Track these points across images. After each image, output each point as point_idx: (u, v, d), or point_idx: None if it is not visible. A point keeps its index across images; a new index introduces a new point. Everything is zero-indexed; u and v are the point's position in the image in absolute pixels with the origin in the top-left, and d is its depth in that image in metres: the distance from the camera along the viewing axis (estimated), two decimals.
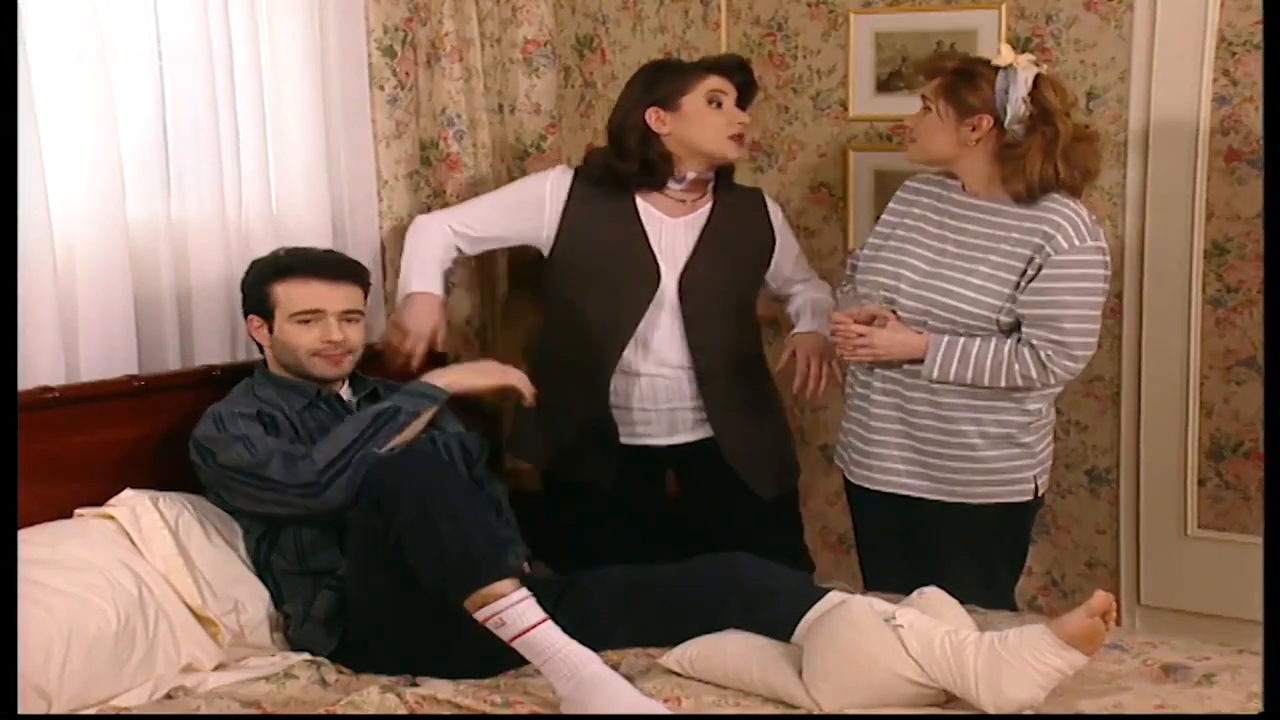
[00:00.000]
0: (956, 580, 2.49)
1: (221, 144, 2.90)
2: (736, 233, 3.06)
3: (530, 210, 3.05)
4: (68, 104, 2.63)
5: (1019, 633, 2.16)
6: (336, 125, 3.15)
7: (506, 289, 3.53)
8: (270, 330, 2.72)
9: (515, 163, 3.52)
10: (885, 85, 3.38)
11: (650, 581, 2.54)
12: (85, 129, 2.66)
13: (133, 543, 2.51)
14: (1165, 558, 3.27)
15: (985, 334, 2.69)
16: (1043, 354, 2.65)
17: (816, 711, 2.18)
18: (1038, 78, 2.65)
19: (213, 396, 2.71)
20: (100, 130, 2.68)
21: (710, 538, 2.75)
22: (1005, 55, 2.67)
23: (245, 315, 2.77)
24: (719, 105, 2.97)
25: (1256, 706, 2.08)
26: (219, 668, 2.45)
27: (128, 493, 2.59)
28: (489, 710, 2.23)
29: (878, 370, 2.81)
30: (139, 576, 2.44)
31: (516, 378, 2.86)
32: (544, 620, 2.26)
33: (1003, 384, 2.69)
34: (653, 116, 2.96)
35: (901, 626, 2.18)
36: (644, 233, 2.98)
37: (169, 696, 2.32)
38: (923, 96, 2.75)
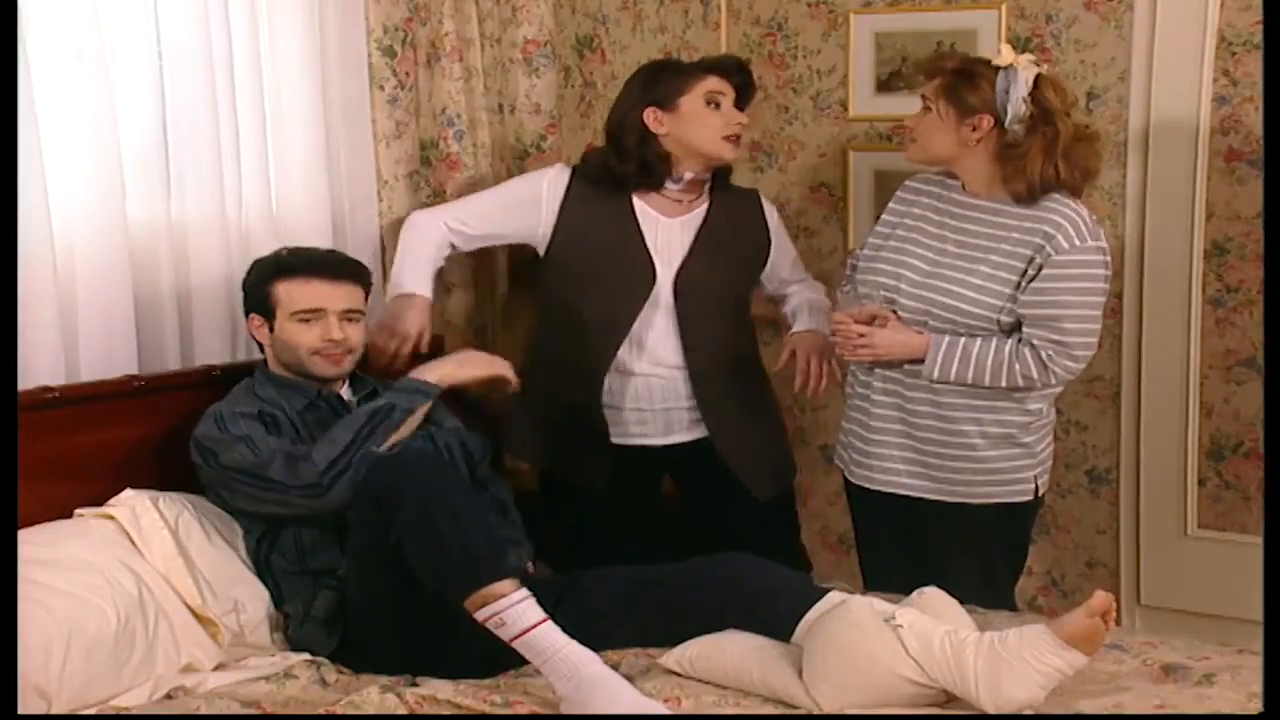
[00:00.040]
0: (956, 580, 2.49)
1: (221, 144, 2.90)
2: (732, 233, 3.07)
3: (527, 209, 3.05)
4: (68, 104, 2.63)
5: (1019, 633, 2.16)
6: (336, 125, 3.15)
7: (506, 289, 3.53)
8: (271, 329, 2.72)
9: (515, 163, 3.52)
10: (885, 85, 3.38)
11: (650, 581, 2.54)
12: (85, 129, 2.66)
13: (133, 543, 2.51)
14: (1165, 558, 3.27)
15: (986, 334, 2.69)
16: (1043, 354, 2.65)
17: (816, 711, 2.18)
18: (1038, 78, 2.65)
19: (213, 396, 2.71)
20: (100, 130, 2.68)
21: (707, 538, 2.75)
22: (1005, 55, 2.67)
23: (246, 314, 2.77)
24: (717, 106, 2.97)
25: (1256, 706, 2.08)
26: (219, 668, 2.45)
27: (128, 493, 2.59)
28: (489, 710, 2.23)
29: (878, 370, 2.81)
30: (139, 576, 2.44)
31: (503, 366, 2.87)
32: (544, 620, 2.26)
33: (1003, 384, 2.69)
34: (650, 117, 2.97)
35: (901, 626, 2.18)
36: (640, 232, 2.99)
37: (169, 696, 2.32)
38: (923, 96, 2.75)
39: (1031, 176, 2.64)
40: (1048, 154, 2.63)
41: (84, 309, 2.70)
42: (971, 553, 2.80)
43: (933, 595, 2.34)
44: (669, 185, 3.01)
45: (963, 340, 2.69)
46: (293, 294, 2.70)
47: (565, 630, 2.26)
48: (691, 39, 3.59)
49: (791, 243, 3.25)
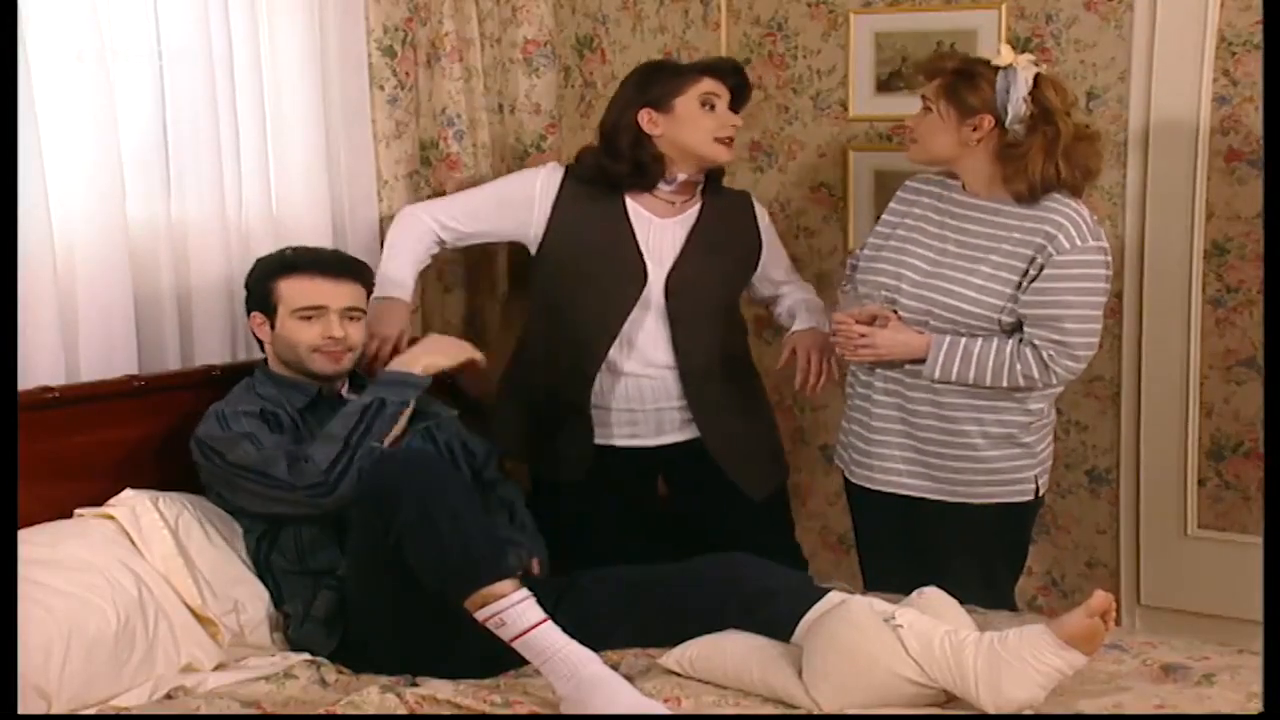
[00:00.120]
0: (956, 580, 2.49)
1: (221, 144, 2.90)
2: (724, 235, 3.07)
3: (519, 208, 3.05)
4: (68, 104, 2.63)
5: (1019, 633, 2.16)
6: (336, 125, 3.14)
7: (506, 289, 3.53)
8: (272, 327, 2.72)
9: (515, 163, 3.52)
10: (885, 85, 3.37)
11: (650, 581, 2.55)
12: (85, 129, 2.66)
13: (133, 543, 2.51)
14: (1165, 558, 3.27)
15: (987, 334, 2.69)
16: (1045, 354, 2.65)
17: (816, 711, 2.18)
18: (1038, 77, 2.65)
19: (213, 396, 2.71)
20: (100, 130, 2.68)
21: (701, 538, 2.75)
22: (1005, 55, 2.67)
23: (248, 312, 2.77)
24: (712, 108, 2.97)
25: (1256, 706, 2.08)
26: (219, 668, 2.45)
27: (128, 493, 2.59)
28: (489, 710, 2.23)
29: (879, 370, 2.81)
30: (139, 576, 2.44)
31: (471, 349, 2.86)
32: (544, 620, 2.27)
33: (1004, 384, 2.69)
34: (645, 118, 2.97)
35: (901, 626, 2.18)
36: (632, 233, 2.99)
37: (169, 696, 2.32)
38: (923, 97, 2.75)
39: (1033, 176, 2.64)
40: (1049, 153, 2.63)
41: (84, 309, 2.70)
42: (971, 553, 2.80)
43: (933, 595, 2.34)
44: (662, 186, 3.01)
45: (964, 340, 2.69)
46: (294, 291, 2.70)
47: (565, 630, 2.27)
48: (691, 39, 3.59)
49: (782, 244, 3.25)
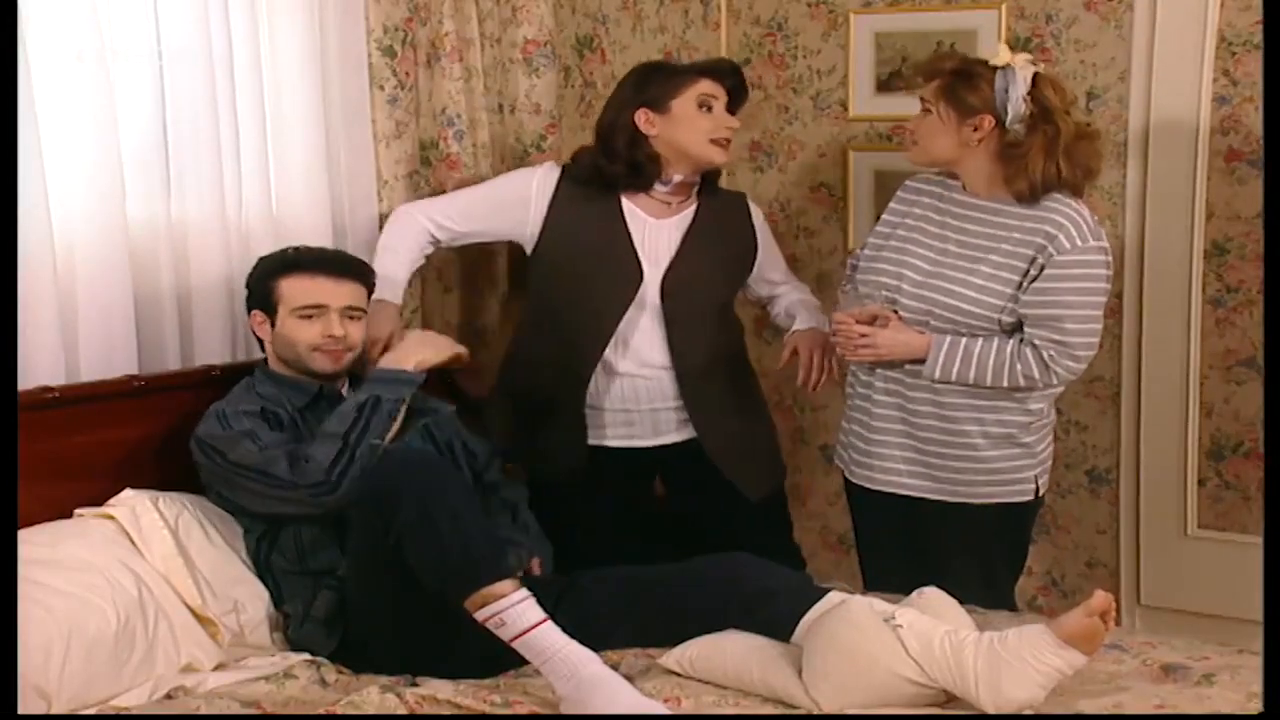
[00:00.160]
0: (956, 580, 2.49)
1: (221, 144, 2.90)
2: (720, 235, 3.07)
3: (515, 207, 3.05)
4: (68, 104, 2.63)
5: (1019, 633, 2.16)
6: (336, 125, 3.14)
7: (507, 289, 3.53)
8: (273, 325, 2.72)
9: (515, 163, 3.51)
10: (885, 85, 3.38)
11: (650, 581, 2.54)
12: (85, 129, 2.66)
13: (133, 543, 2.51)
14: (1165, 558, 3.27)
15: (987, 334, 2.69)
16: (1045, 354, 2.65)
17: (816, 711, 2.18)
18: (1037, 76, 2.65)
19: (213, 396, 2.71)
20: (100, 130, 2.68)
21: (699, 539, 2.75)
22: (1003, 55, 2.67)
23: (249, 311, 2.77)
24: (709, 109, 2.97)
25: (1256, 706, 2.08)
26: (219, 668, 2.45)
27: (128, 493, 2.59)
28: (489, 710, 2.23)
29: (879, 370, 2.81)
30: (139, 576, 2.44)
31: (456, 344, 2.86)
32: (544, 620, 2.27)
33: (1005, 384, 2.69)
34: (642, 118, 2.96)
35: (901, 626, 2.18)
36: (628, 233, 2.99)
37: (169, 696, 2.32)
38: (922, 99, 2.75)
39: (1033, 175, 2.64)
40: (1049, 153, 2.63)
41: (84, 309, 2.70)
42: (971, 553, 2.80)
43: (932, 595, 2.34)
44: (658, 187, 3.01)
45: (964, 340, 2.69)
46: (295, 290, 2.70)
47: (565, 630, 2.27)
48: (691, 39, 3.59)
49: (778, 245, 3.25)
